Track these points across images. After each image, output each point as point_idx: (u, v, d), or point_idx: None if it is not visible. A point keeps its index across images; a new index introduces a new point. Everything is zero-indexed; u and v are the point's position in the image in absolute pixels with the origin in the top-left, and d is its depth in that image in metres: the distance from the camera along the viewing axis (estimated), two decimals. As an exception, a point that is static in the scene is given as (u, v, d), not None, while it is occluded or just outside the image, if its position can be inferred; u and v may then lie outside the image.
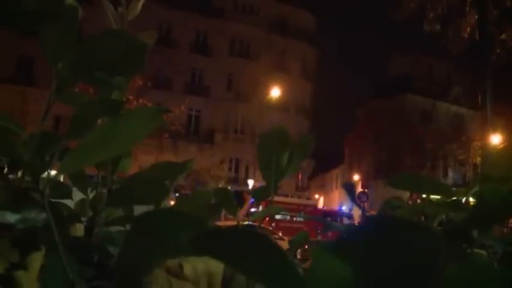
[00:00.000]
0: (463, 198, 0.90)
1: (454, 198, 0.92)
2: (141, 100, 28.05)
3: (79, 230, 1.04)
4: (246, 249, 0.31)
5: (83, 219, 1.06)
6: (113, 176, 1.01)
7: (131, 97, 27.03)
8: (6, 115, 0.66)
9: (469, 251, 0.67)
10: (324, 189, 63.54)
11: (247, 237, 0.32)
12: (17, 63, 35.22)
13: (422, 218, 1.61)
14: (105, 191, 1.01)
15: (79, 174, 1.04)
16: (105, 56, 0.54)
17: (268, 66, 42.70)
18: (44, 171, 0.66)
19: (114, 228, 1.05)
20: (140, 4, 1.16)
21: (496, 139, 31.17)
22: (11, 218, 0.59)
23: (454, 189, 1.06)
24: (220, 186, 32.73)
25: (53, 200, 0.97)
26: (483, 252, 0.72)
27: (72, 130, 0.71)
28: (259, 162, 0.90)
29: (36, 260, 0.53)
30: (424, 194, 0.93)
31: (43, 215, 0.62)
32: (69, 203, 1.08)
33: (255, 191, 0.97)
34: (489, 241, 0.69)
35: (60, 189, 1.01)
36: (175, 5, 40.08)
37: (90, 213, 1.04)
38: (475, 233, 0.63)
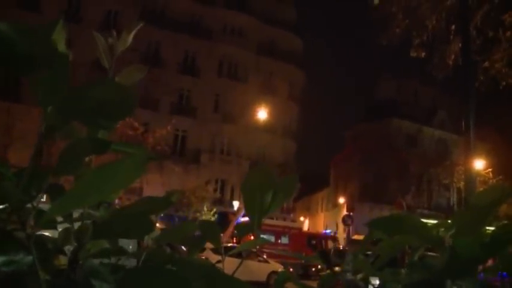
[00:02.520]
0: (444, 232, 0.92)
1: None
2: (127, 119, 27.95)
3: (63, 259, 1.04)
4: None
5: (67, 248, 1.05)
6: (98, 208, 1.02)
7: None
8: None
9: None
10: (309, 212, 63.42)
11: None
12: (3, 79, 34.94)
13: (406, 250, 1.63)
14: (90, 222, 1.01)
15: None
16: (94, 103, 0.56)
17: (256, 88, 42.92)
18: (31, 209, 0.67)
19: (97, 260, 1.05)
20: (131, 36, 1.17)
21: (479, 164, 31.56)
22: (-4, 260, 0.59)
23: (435, 222, 1.08)
24: (205, 207, 32.63)
25: (37, 231, 0.97)
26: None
27: (60, 166, 0.72)
28: (244, 200, 0.92)
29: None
30: (403, 234, 0.94)
31: (29, 258, 0.62)
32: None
33: (238, 226, 0.98)
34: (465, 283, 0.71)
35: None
36: (164, 25, 40.30)
37: (75, 244, 1.03)
38: (448, 283, 0.65)
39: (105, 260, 1.11)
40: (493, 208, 0.70)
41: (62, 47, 0.58)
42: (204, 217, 30.82)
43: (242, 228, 0.97)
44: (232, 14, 43.51)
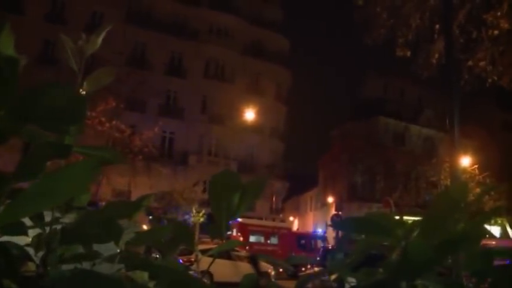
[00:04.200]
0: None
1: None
2: (114, 122, 27.80)
3: (32, 266, 1.02)
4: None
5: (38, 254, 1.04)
6: (66, 214, 1.00)
7: (103, 119, 26.76)
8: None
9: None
10: (298, 212, 63.50)
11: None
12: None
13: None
14: (59, 228, 0.99)
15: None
16: (46, 107, 0.55)
17: (243, 89, 42.91)
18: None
19: (70, 266, 1.04)
20: (100, 39, 1.16)
21: (466, 161, 31.85)
22: None
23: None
24: (193, 209, 32.51)
25: (6, 236, 0.96)
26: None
27: (21, 172, 0.71)
28: (211, 203, 0.91)
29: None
30: (368, 235, 0.94)
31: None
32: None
33: (208, 229, 0.98)
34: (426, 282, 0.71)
35: (14, 225, 0.99)
36: (150, 26, 40.13)
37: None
38: (403, 284, 0.65)
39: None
40: (457, 207, 0.70)
41: (10, 50, 0.57)
42: (192, 219, 30.71)
43: (212, 231, 0.96)
44: (218, 14, 43.45)
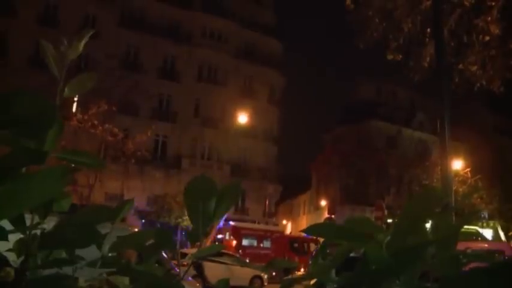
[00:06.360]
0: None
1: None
2: (107, 125, 27.71)
3: (12, 272, 1.02)
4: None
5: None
6: (44, 218, 1.00)
7: (96, 122, 26.66)
8: None
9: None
10: (291, 215, 63.52)
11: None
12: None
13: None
14: (38, 232, 0.99)
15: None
16: (14, 115, 0.55)
17: (236, 92, 42.91)
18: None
19: (52, 271, 1.04)
20: (82, 45, 1.16)
21: (458, 164, 31.98)
22: None
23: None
24: (186, 212, 32.47)
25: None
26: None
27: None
28: (187, 208, 0.92)
29: None
30: (338, 241, 0.95)
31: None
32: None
33: (189, 234, 0.98)
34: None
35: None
36: (143, 30, 40.08)
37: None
38: None
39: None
40: (428, 212, 0.71)
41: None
42: (185, 223, 30.63)
43: (191, 236, 0.97)
44: (211, 18, 43.45)
